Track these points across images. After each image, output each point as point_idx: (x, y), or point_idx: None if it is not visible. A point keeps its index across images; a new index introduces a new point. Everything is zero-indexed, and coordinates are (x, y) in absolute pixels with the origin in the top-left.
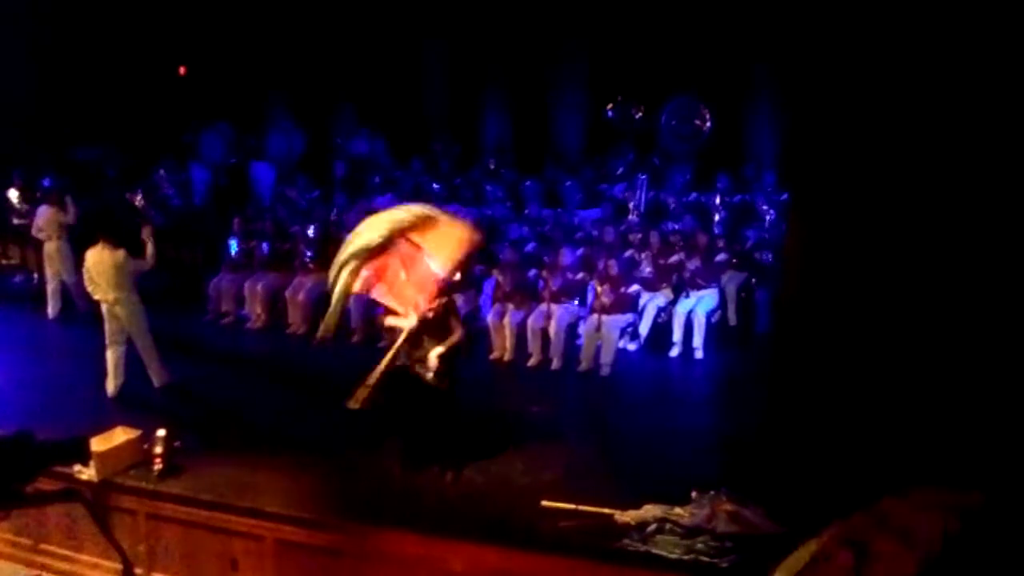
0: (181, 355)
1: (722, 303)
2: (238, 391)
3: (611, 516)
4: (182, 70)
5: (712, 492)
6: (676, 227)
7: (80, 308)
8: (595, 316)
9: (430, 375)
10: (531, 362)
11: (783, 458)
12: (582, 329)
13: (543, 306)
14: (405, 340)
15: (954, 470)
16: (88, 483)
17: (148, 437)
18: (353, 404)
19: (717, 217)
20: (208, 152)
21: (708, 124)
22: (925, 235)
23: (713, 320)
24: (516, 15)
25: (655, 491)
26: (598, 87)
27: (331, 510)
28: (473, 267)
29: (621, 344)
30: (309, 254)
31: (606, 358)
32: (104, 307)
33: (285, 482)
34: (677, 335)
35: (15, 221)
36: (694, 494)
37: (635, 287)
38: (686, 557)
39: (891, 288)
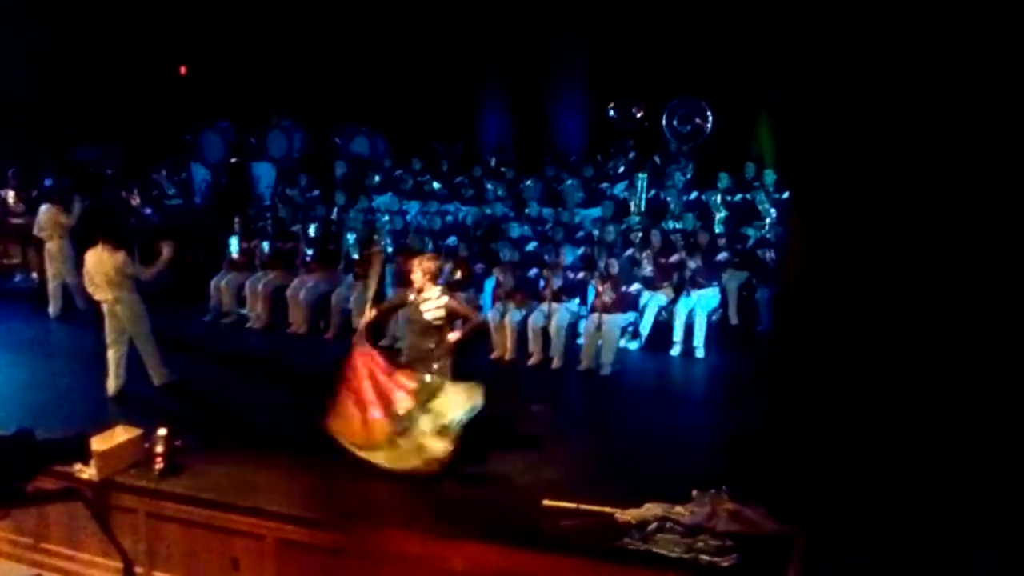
0: (182, 354)
1: (723, 302)
2: (239, 390)
3: (612, 515)
4: (183, 70)
5: (713, 491)
6: (677, 226)
7: (81, 307)
8: (596, 315)
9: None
10: (532, 361)
11: (783, 457)
12: (583, 328)
13: (544, 305)
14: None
15: (954, 468)
16: (89, 482)
17: (149, 436)
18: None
19: (718, 216)
20: (209, 151)
21: (709, 123)
22: (926, 233)
23: (714, 319)
24: (516, 13)
25: (656, 490)
26: (598, 85)
27: (332, 509)
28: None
29: (622, 343)
30: (310, 253)
31: (607, 357)
32: (104, 307)
33: (286, 481)
34: (678, 334)
35: (13, 221)
36: (695, 493)
37: (636, 286)
38: (687, 556)
39: (892, 287)
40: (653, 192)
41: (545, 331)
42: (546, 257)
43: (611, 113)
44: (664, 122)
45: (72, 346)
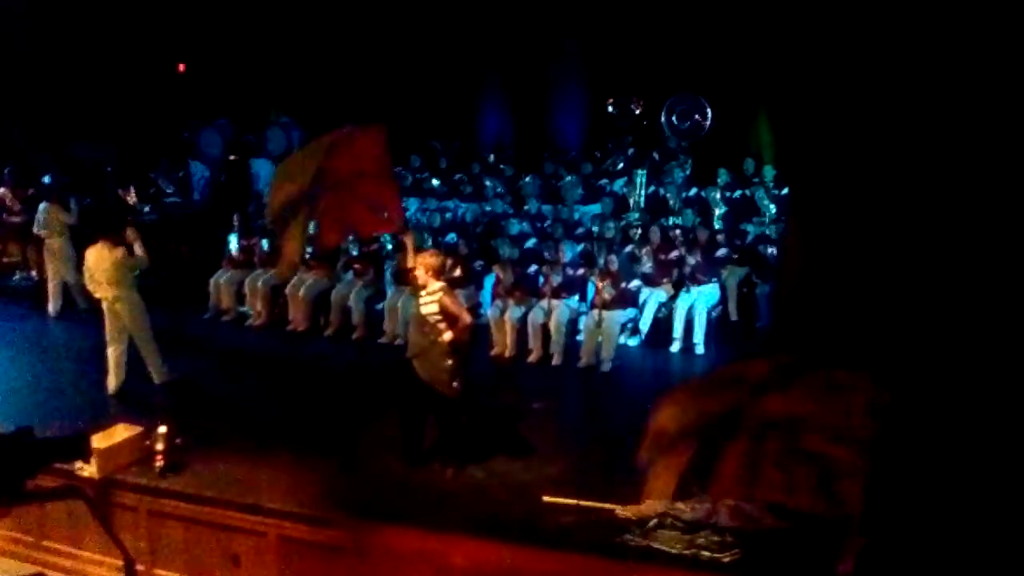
0: (182, 352)
1: (723, 298)
2: (239, 388)
3: (612, 511)
4: (181, 67)
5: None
6: (677, 222)
7: (81, 306)
8: (595, 311)
9: (442, 383)
10: (532, 358)
11: None
12: (582, 324)
13: (543, 302)
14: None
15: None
16: (89, 480)
17: (149, 434)
18: None
19: (717, 212)
20: (207, 149)
21: (708, 119)
22: (925, 230)
23: (714, 315)
24: (515, 11)
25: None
26: (597, 82)
27: (333, 506)
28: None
29: (622, 339)
30: (309, 251)
31: (607, 353)
32: (104, 305)
33: (287, 478)
34: (678, 330)
35: (11, 219)
36: (695, 489)
37: (636, 282)
38: (687, 552)
39: (891, 283)
40: (652, 188)
41: (545, 328)
42: (545, 254)
43: (610, 109)
44: (663, 118)
45: (72, 344)
